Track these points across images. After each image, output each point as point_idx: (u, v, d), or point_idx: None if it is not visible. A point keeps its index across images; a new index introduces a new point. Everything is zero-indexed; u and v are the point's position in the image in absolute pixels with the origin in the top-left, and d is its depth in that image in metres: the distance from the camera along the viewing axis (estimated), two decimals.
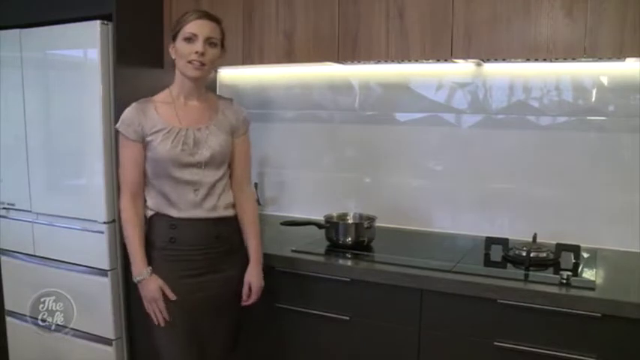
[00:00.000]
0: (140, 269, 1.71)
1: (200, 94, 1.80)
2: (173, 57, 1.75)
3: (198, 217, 1.74)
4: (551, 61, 2.00)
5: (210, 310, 1.77)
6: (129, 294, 2.35)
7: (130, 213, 1.73)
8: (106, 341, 2.36)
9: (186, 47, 1.69)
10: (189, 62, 1.69)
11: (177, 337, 1.72)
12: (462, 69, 2.24)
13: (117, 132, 1.75)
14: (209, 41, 1.70)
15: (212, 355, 1.80)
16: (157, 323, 1.72)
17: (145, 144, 1.72)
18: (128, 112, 1.73)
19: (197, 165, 1.73)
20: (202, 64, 1.70)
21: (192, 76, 1.72)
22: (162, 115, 1.73)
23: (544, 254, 1.89)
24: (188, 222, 1.73)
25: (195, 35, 1.68)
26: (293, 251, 2.02)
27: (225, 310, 1.82)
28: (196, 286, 1.74)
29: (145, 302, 1.73)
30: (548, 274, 1.78)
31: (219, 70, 2.71)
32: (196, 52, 1.68)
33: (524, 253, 1.89)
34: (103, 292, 2.32)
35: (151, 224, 1.77)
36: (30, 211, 2.50)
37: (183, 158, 1.71)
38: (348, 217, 2.21)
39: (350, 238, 2.08)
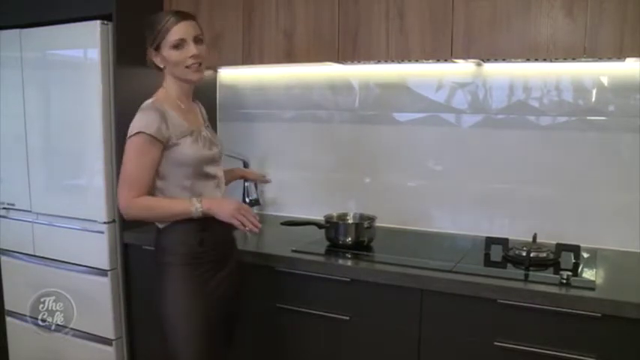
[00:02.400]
0: (189, 203, 1.65)
1: (192, 97, 1.83)
2: (161, 66, 1.71)
3: None
4: (551, 61, 2.00)
5: (220, 305, 1.77)
6: (129, 294, 2.36)
7: (142, 198, 1.65)
8: (106, 341, 2.36)
9: (178, 54, 1.67)
10: (188, 67, 1.68)
11: (197, 338, 1.70)
12: (462, 69, 2.23)
13: (132, 136, 1.63)
14: (196, 39, 1.69)
15: (221, 347, 1.82)
16: (250, 227, 1.66)
17: (167, 146, 1.66)
18: (151, 115, 1.64)
19: (215, 161, 1.78)
20: (200, 65, 1.71)
21: (195, 79, 1.73)
22: (181, 116, 1.71)
23: (544, 254, 1.89)
24: (216, 222, 1.69)
25: (183, 40, 1.66)
26: (293, 251, 2.02)
27: (231, 303, 1.83)
28: (214, 285, 1.74)
29: (228, 216, 1.65)
30: (548, 274, 1.78)
31: (219, 70, 2.71)
32: (192, 57, 1.67)
33: (524, 253, 1.89)
34: (103, 292, 2.32)
35: (173, 230, 1.71)
36: (30, 211, 2.50)
37: (209, 154, 1.74)
38: (348, 217, 2.21)
39: (350, 238, 2.08)
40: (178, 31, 1.66)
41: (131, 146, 1.65)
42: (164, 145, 1.65)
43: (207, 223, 1.69)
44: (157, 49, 1.69)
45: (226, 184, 2.00)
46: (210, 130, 1.85)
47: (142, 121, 1.64)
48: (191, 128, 1.71)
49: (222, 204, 1.69)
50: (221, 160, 1.84)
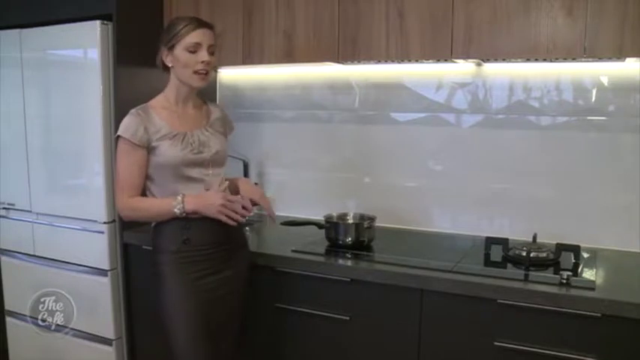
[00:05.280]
0: (172, 202, 1.68)
1: (194, 99, 1.85)
2: (170, 65, 1.76)
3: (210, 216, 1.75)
4: (551, 61, 2.00)
5: (221, 308, 1.78)
6: (129, 294, 2.36)
7: (132, 199, 1.73)
8: (106, 341, 2.36)
9: (190, 57, 1.72)
10: (196, 72, 1.72)
11: (195, 338, 1.71)
12: (462, 69, 2.23)
13: (117, 139, 1.73)
14: (210, 49, 1.74)
15: (224, 352, 1.82)
16: (238, 220, 1.69)
17: (149, 149, 1.72)
18: (130, 119, 1.72)
19: (204, 164, 1.77)
20: (207, 73, 1.75)
21: (198, 86, 1.77)
22: (166, 120, 1.75)
23: (544, 254, 1.89)
24: (201, 221, 1.73)
25: (199, 45, 1.71)
26: (293, 251, 2.02)
27: (234, 307, 1.84)
28: (209, 286, 1.75)
29: (216, 213, 1.68)
30: (548, 274, 1.78)
31: (219, 70, 2.71)
32: (203, 62, 1.72)
33: (524, 253, 1.89)
34: (103, 292, 2.32)
35: (160, 229, 1.76)
36: (30, 211, 2.50)
37: (192, 158, 1.74)
38: (348, 217, 2.21)
39: (350, 238, 2.07)
40: (197, 35, 1.72)
41: (117, 150, 1.75)
42: (146, 148, 1.71)
43: (192, 221, 1.72)
44: (171, 48, 1.73)
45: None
46: (214, 133, 1.83)
47: (122, 125, 1.73)
48: (174, 131, 1.74)
49: (207, 202, 1.70)
50: (217, 164, 1.81)
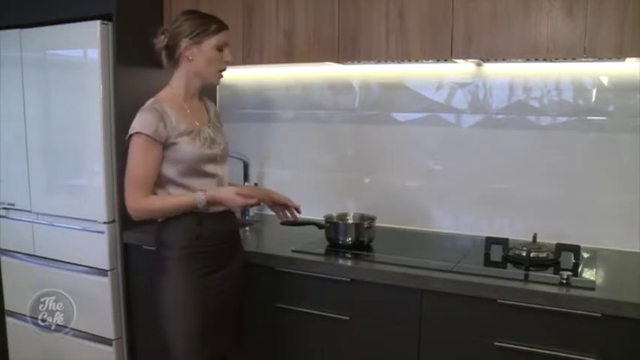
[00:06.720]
0: (194, 197, 1.69)
1: (198, 94, 1.86)
2: (190, 58, 1.74)
3: (220, 211, 1.77)
4: (551, 61, 2.00)
5: (221, 303, 1.79)
6: (129, 294, 2.36)
7: (147, 199, 1.70)
8: (106, 341, 2.36)
9: (218, 55, 1.75)
10: (220, 71, 1.78)
11: (193, 334, 1.72)
12: (462, 69, 2.23)
13: (132, 136, 1.68)
14: (230, 50, 1.80)
15: (223, 352, 1.83)
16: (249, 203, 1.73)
17: (165, 145, 1.70)
18: (149, 115, 1.68)
19: (216, 160, 1.79)
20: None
21: (217, 82, 1.82)
22: (181, 115, 1.74)
23: (544, 254, 1.89)
24: (213, 217, 1.75)
25: (227, 45, 1.77)
26: (293, 251, 2.02)
27: (233, 303, 1.84)
28: (214, 282, 1.76)
29: (232, 203, 1.71)
30: (548, 274, 1.78)
31: None
32: (226, 62, 1.78)
33: (524, 253, 1.89)
34: (103, 292, 2.32)
35: (170, 224, 1.74)
36: (30, 211, 2.50)
37: (208, 154, 1.76)
38: (348, 217, 2.21)
39: (350, 238, 2.07)
40: (226, 36, 1.77)
41: (134, 147, 1.69)
42: (163, 145, 1.70)
43: (204, 217, 1.73)
44: (197, 42, 1.73)
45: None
46: (217, 129, 1.86)
47: (140, 122, 1.68)
48: (190, 128, 1.74)
49: (220, 195, 1.72)
50: (224, 160, 1.85)
